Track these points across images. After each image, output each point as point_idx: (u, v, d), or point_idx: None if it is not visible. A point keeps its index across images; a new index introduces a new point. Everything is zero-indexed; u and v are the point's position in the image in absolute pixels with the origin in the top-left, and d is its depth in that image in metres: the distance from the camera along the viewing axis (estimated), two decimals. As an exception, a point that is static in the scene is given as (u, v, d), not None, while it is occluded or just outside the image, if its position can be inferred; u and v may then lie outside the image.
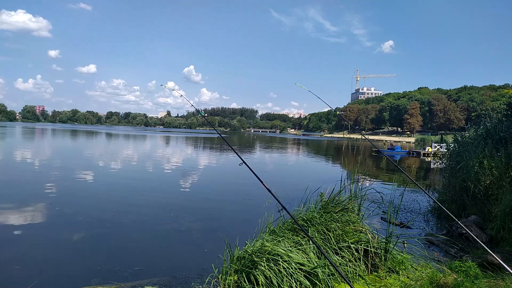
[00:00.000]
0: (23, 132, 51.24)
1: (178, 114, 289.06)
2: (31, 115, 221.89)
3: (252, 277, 3.82)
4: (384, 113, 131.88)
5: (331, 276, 3.99)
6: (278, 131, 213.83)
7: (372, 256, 4.65)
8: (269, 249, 4.01)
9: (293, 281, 3.74)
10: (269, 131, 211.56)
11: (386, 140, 78.82)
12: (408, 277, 4.46)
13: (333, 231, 4.68)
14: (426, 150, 39.81)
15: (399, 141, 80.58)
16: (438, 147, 37.49)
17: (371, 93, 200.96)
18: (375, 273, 4.56)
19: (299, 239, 4.42)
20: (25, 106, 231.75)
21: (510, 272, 3.49)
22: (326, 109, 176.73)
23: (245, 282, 3.81)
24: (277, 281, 3.70)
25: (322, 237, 4.59)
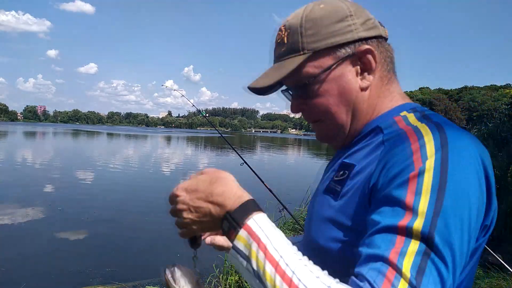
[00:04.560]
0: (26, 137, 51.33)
1: (179, 114, 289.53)
2: (32, 115, 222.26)
3: (253, 277, 3.81)
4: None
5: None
6: (279, 131, 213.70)
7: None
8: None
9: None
10: (270, 131, 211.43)
11: None
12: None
13: (334, 231, 4.66)
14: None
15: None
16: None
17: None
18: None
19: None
20: (27, 106, 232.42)
21: (512, 273, 3.48)
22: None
23: (246, 282, 3.81)
24: (278, 281, 3.69)
25: (323, 237, 4.57)
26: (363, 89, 0.73)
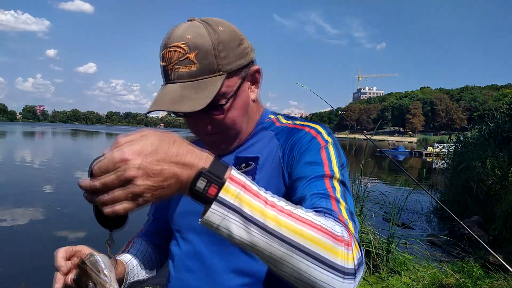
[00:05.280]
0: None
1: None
2: (31, 115, 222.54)
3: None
4: (386, 113, 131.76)
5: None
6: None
7: (374, 257, 4.62)
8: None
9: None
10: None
11: (389, 140, 78.67)
12: (410, 278, 4.44)
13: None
14: (428, 150, 39.73)
15: (401, 141, 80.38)
16: (441, 147, 37.36)
17: (373, 93, 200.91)
18: (377, 274, 4.54)
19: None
20: (26, 106, 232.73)
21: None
22: (327, 109, 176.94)
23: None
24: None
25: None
26: (253, 101, 0.91)
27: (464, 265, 4.53)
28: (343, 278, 0.59)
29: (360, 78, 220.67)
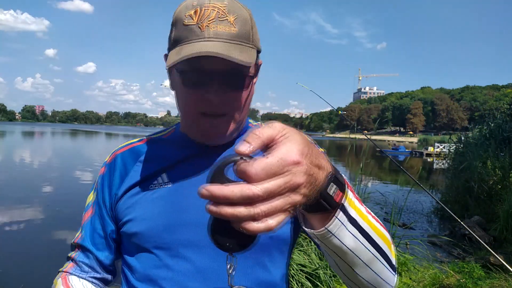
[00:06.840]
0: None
1: (178, 114, 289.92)
2: (30, 115, 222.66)
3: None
4: (387, 113, 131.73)
5: (332, 278, 3.96)
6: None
7: (374, 257, 4.60)
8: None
9: (295, 283, 3.70)
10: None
11: (389, 141, 78.62)
12: (410, 278, 4.43)
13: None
14: (428, 150, 39.74)
15: (402, 141, 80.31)
16: (442, 147, 37.31)
17: (374, 93, 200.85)
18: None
19: (301, 240, 4.39)
20: (25, 106, 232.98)
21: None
22: (328, 109, 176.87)
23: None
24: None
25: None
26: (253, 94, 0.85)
27: (465, 265, 4.51)
28: (395, 274, 0.65)
29: (360, 78, 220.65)
